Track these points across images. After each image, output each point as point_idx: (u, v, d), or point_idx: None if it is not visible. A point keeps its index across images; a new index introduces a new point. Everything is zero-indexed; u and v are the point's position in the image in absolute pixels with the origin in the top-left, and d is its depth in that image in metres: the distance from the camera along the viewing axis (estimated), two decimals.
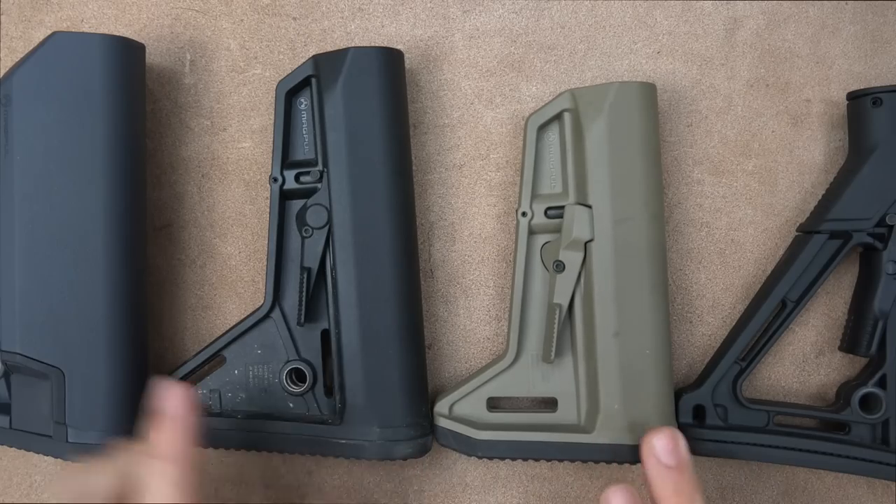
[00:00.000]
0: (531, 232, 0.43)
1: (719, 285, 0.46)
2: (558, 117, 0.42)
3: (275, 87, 0.42)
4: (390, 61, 0.41)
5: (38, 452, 0.41)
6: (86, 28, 0.45)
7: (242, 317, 0.44)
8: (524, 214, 0.43)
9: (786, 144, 0.46)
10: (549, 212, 0.43)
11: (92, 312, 0.39)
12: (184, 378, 0.43)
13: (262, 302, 0.43)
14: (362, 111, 0.40)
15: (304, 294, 0.41)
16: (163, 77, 0.45)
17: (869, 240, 0.42)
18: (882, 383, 0.42)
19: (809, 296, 0.43)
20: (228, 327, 0.44)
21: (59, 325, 0.39)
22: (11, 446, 0.42)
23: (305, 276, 0.41)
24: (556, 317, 0.42)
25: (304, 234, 0.41)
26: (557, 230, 0.42)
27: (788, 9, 0.46)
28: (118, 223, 0.40)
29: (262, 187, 0.45)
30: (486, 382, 0.43)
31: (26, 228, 0.39)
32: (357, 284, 0.40)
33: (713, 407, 0.43)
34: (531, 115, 0.43)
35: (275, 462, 0.46)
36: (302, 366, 0.42)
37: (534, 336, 0.43)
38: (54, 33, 0.39)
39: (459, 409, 0.43)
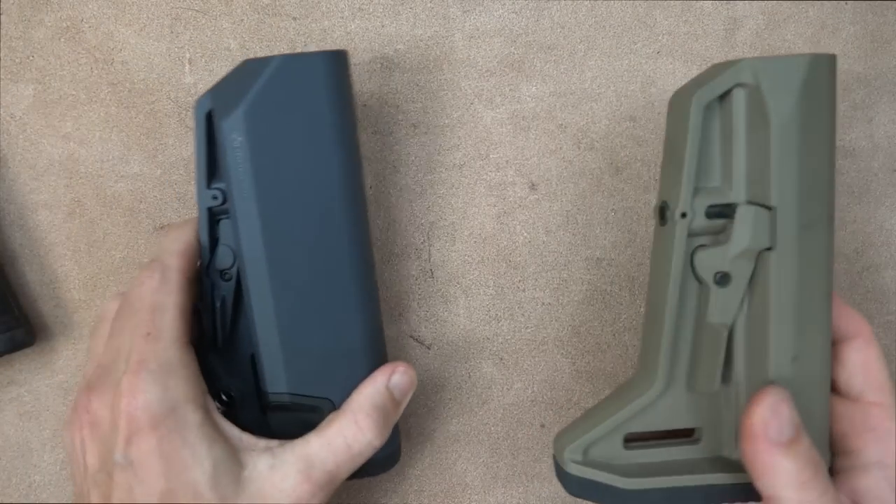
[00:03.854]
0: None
1: None
2: (723, 95, 0.34)
3: None
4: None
5: None
6: (86, 28, 0.45)
7: None
8: (684, 216, 0.34)
9: None
10: (709, 211, 0.35)
11: (350, 336, 0.38)
12: None
13: None
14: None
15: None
16: (163, 77, 0.45)
17: None
18: None
19: None
20: None
21: (324, 358, 0.38)
22: None
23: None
24: (721, 339, 0.36)
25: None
26: (715, 232, 0.35)
27: (788, 9, 0.46)
28: (362, 248, 0.38)
29: None
30: (628, 420, 0.37)
31: (279, 273, 0.37)
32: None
33: None
34: (696, 91, 0.34)
35: None
36: None
37: (683, 361, 0.37)
38: (247, 61, 0.36)
39: (595, 452, 0.37)
